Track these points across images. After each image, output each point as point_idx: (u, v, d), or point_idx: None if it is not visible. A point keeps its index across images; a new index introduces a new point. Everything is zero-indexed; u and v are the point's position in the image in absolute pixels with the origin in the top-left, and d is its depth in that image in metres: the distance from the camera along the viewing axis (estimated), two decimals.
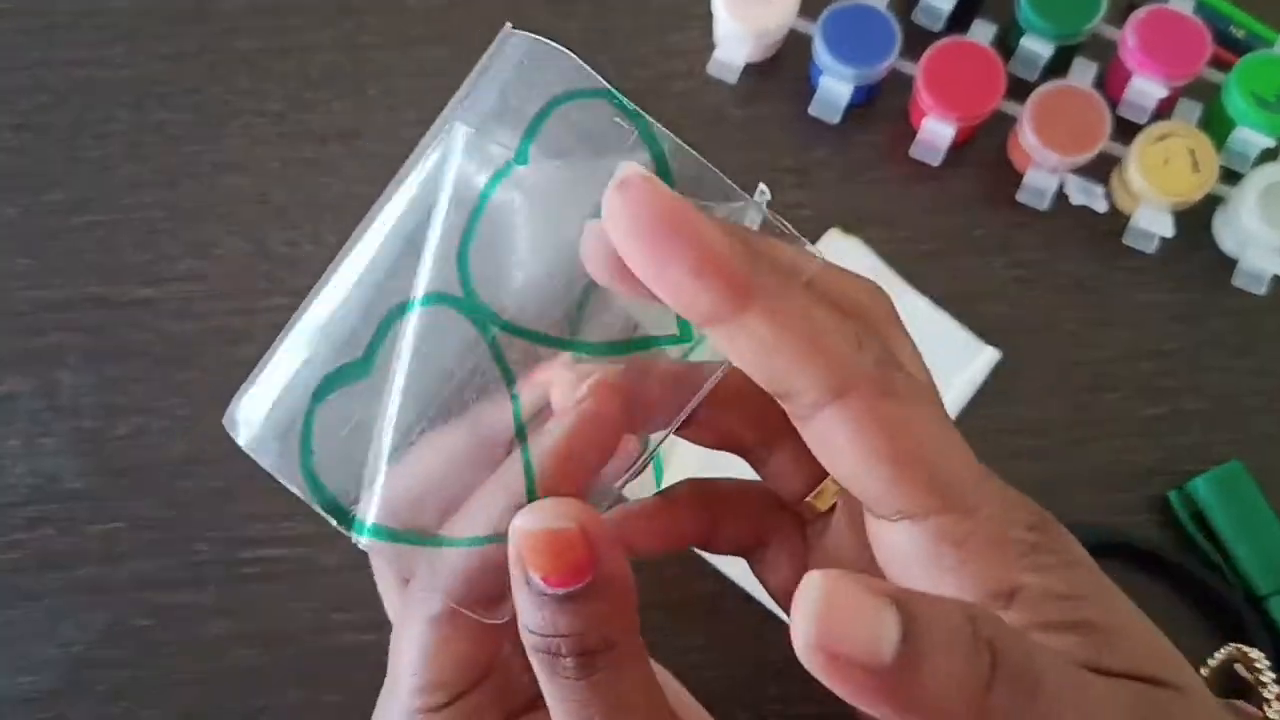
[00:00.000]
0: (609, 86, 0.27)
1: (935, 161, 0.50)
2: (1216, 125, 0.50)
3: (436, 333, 0.26)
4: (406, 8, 0.53)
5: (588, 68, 0.27)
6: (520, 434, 0.25)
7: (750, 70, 0.52)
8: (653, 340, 0.26)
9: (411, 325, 0.26)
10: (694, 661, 0.45)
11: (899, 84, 0.50)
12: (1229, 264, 0.50)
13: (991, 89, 0.49)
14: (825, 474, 0.26)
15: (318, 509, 0.26)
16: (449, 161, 0.29)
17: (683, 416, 0.26)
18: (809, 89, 0.51)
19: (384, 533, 0.25)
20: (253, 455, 0.27)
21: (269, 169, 0.51)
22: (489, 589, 0.25)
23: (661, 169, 0.26)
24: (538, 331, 0.26)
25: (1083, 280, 0.50)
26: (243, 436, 0.27)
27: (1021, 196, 0.50)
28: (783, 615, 0.27)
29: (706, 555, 0.45)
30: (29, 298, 0.50)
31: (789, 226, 0.25)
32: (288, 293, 0.50)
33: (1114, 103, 0.50)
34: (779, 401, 0.23)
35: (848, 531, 0.29)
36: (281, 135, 0.52)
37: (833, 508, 0.29)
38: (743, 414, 0.29)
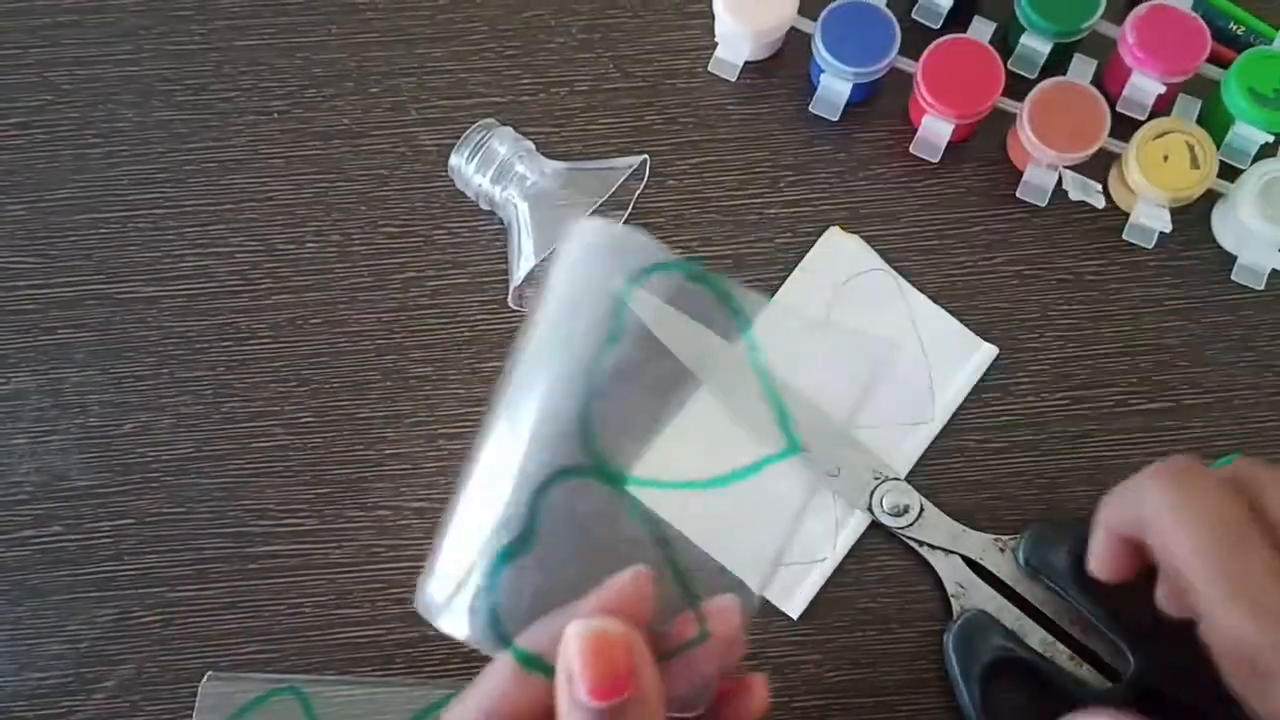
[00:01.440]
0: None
1: (935, 158, 0.51)
2: (1215, 121, 0.50)
3: (579, 499, 0.30)
4: (410, 5, 0.53)
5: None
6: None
7: (750, 68, 0.52)
8: (765, 460, 0.31)
9: (558, 497, 0.30)
10: None
11: (899, 82, 0.50)
12: (1228, 260, 0.50)
13: (990, 86, 0.49)
14: None
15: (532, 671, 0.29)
16: (574, 324, 0.31)
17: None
18: (809, 87, 0.52)
19: None
20: (453, 636, 0.30)
21: (273, 167, 0.51)
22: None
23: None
24: (667, 480, 0.31)
25: (1081, 276, 0.50)
26: (439, 621, 0.30)
27: (1020, 193, 0.51)
28: None
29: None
30: (35, 295, 0.50)
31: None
32: (292, 290, 0.50)
33: (1113, 99, 0.50)
34: None
35: None
36: (285, 133, 0.52)
37: None
38: None
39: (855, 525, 0.47)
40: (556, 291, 0.31)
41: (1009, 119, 0.50)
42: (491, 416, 0.31)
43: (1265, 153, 0.50)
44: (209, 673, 0.45)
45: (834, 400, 0.30)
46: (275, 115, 0.52)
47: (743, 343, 0.30)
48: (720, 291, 0.31)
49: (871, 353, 0.30)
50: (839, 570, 0.47)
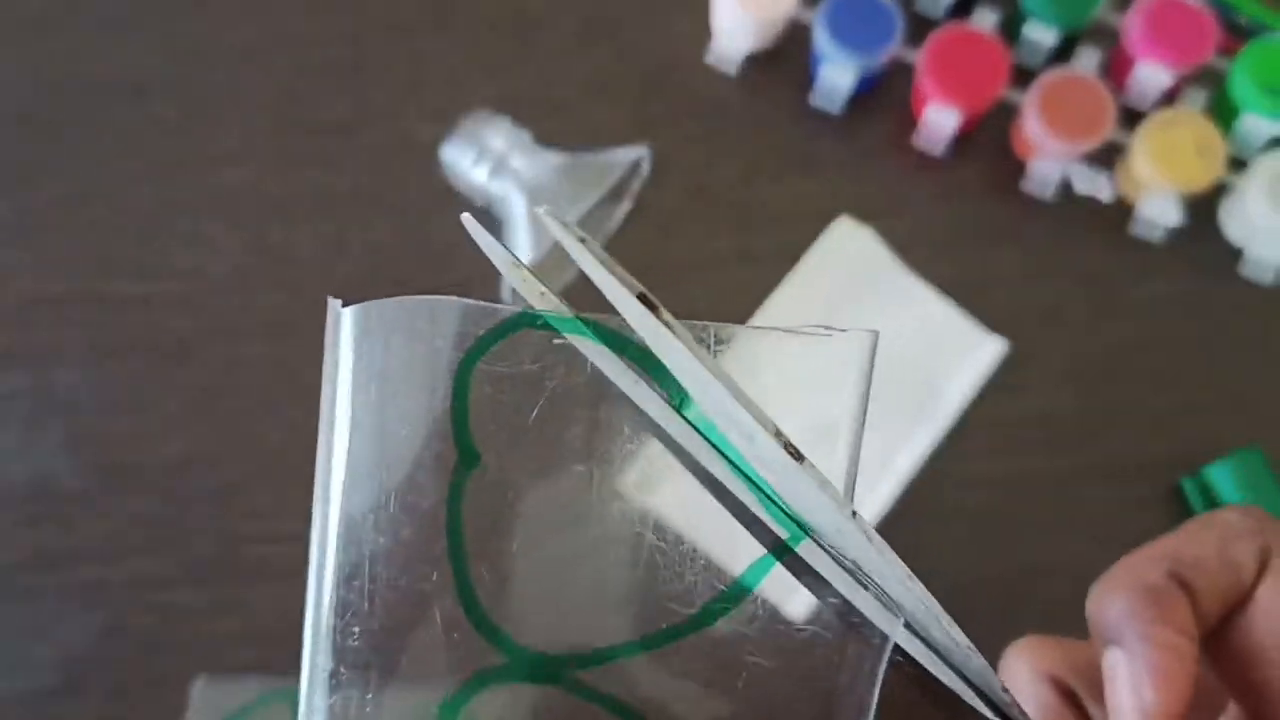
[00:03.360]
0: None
1: (938, 151, 0.50)
2: (1223, 112, 0.49)
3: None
4: None
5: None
6: None
7: (750, 60, 0.52)
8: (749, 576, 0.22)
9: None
10: None
11: (901, 73, 0.50)
12: (1236, 253, 0.50)
13: (995, 77, 0.48)
14: None
15: None
16: None
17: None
18: (810, 80, 0.51)
19: None
20: None
21: (265, 162, 0.51)
22: None
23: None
24: (606, 650, 0.22)
25: (1089, 270, 0.50)
26: None
27: (1026, 186, 0.50)
28: None
29: None
30: (25, 293, 0.49)
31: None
32: (286, 287, 0.49)
33: (1119, 90, 0.50)
34: None
35: None
36: (277, 128, 0.51)
37: None
38: None
39: None
40: (351, 414, 0.22)
41: (1013, 111, 0.50)
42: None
43: (1274, 144, 0.49)
44: (201, 676, 0.44)
45: (827, 421, 0.22)
46: (267, 109, 0.51)
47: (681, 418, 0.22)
48: (620, 346, 0.21)
49: (853, 350, 0.23)
50: None
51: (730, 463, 0.22)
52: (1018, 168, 0.50)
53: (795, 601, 0.22)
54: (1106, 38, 0.50)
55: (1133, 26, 0.49)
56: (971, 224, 0.50)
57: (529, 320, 0.22)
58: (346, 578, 0.22)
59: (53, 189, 0.50)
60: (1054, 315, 0.49)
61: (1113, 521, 0.47)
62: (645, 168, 0.49)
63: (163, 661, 0.45)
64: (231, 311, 0.49)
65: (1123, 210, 0.50)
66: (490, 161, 0.47)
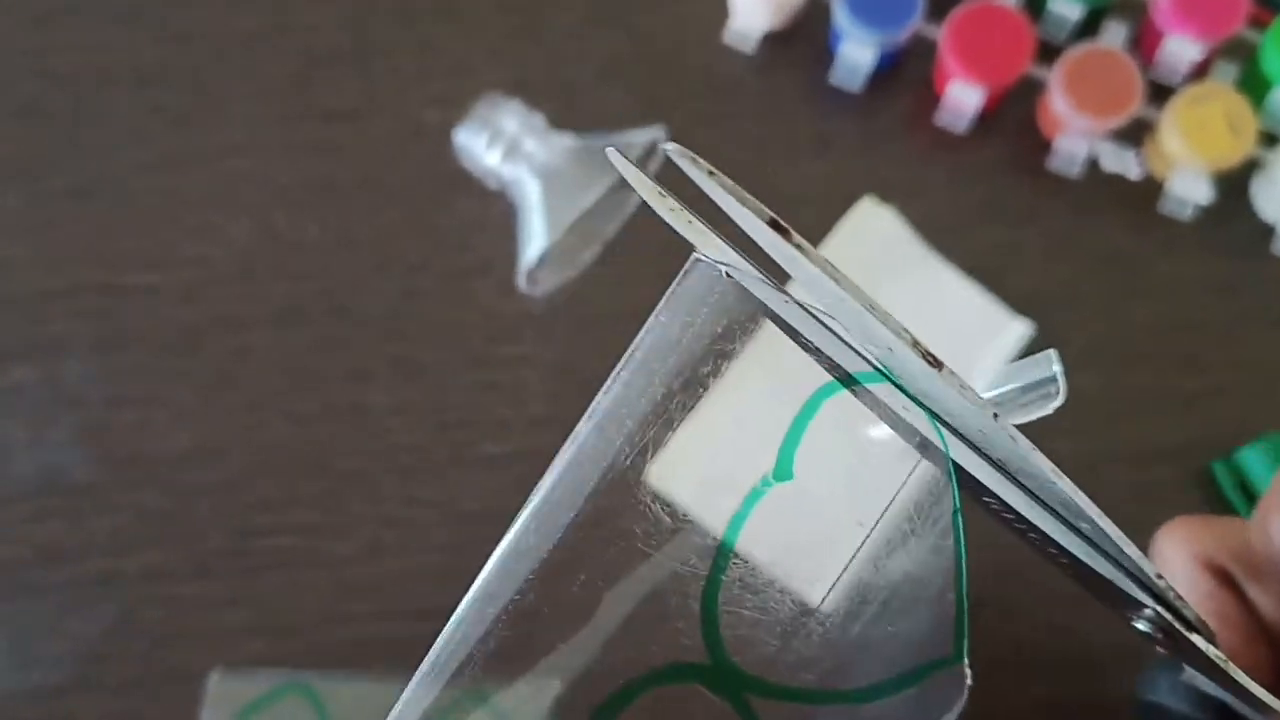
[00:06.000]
0: (879, 366, 0.22)
1: (961, 129, 0.49)
2: (1254, 86, 0.48)
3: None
4: None
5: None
6: None
7: (768, 38, 0.50)
8: (922, 670, 0.22)
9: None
10: None
11: (923, 49, 0.49)
12: (1269, 230, 0.48)
13: (1019, 52, 0.47)
14: None
15: None
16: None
17: None
18: (829, 58, 0.50)
19: None
20: None
21: (274, 150, 0.50)
22: None
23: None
24: (795, 689, 0.23)
25: (1116, 250, 0.48)
26: None
27: (1052, 164, 0.49)
28: None
29: None
30: (32, 286, 0.49)
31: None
32: (294, 277, 0.48)
33: (1147, 65, 0.48)
34: None
35: None
36: (284, 116, 0.50)
37: None
38: None
39: None
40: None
41: (1038, 87, 0.48)
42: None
43: None
44: (216, 669, 0.43)
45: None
46: (273, 97, 0.50)
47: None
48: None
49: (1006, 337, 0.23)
50: None
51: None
52: (1042, 146, 0.49)
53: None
54: (1134, 11, 0.49)
55: None
56: (995, 204, 0.49)
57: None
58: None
59: (59, 181, 0.50)
60: (1080, 296, 0.48)
61: (1141, 506, 0.45)
62: (661, 150, 0.48)
63: (175, 655, 0.44)
64: (240, 301, 0.48)
65: (1151, 188, 0.49)
66: (503, 145, 0.46)
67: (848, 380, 0.22)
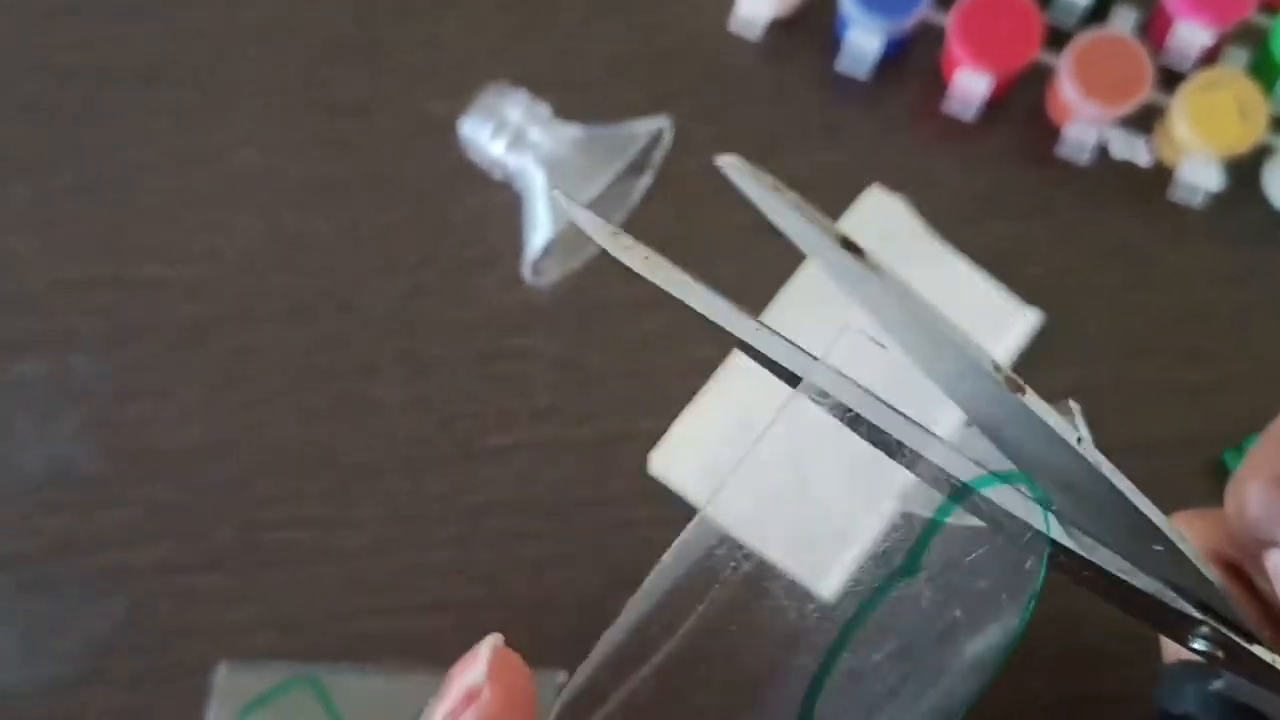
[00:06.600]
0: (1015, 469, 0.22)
1: (969, 117, 0.48)
2: (1265, 72, 0.48)
3: None
4: None
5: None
6: None
7: (774, 26, 0.50)
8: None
9: None
10: None
11: (930, 36, 0.48)
12: (1279, 218, 0.48)
13: (1028, 39, 0.47)
14: None
15: None
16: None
17: None
18: (835, 45, 0.49)
19: None
20: None
21: (279, 146, 0.50)
22: None
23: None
24: None
25: (1125, 238, 0.48)
26: None
27: (1061, 151, 0.48)
28: None
29: None
30: (40, 280, 0.49)
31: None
32: (301, 272, 0.48)
33: (1157, 51, 0.48)
34: None
35: None
36: (292, 110, 0.50)
37: None
38: None
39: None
40: None
41: (1047, 74, 0.48)
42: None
43: None
44: (225, 662, 0.43)
45: None
46: (279, 91, 0.50)
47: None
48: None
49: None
50: None
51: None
52: (1050, 133, 0.49)
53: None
54: None
55: None
56: (1003, 192, 0.49)
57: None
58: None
59: (67, 176, 0.50)
60: (1089, 285, 0.48)
61: (1151, 497, 0.45)
62: (666, 139, 0.48)
63: (184, 648, 0.45)
64: (247, 296, 0.48)
65: (1161, 175, 0.48)
66: (508, 135, 0.46)
67: (963, 491, 0.22)
